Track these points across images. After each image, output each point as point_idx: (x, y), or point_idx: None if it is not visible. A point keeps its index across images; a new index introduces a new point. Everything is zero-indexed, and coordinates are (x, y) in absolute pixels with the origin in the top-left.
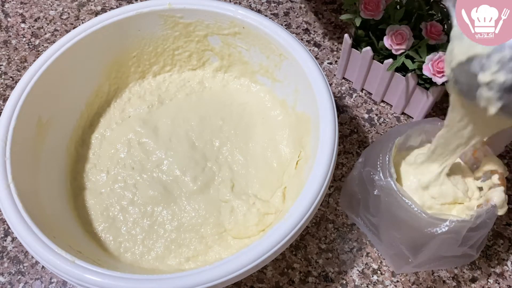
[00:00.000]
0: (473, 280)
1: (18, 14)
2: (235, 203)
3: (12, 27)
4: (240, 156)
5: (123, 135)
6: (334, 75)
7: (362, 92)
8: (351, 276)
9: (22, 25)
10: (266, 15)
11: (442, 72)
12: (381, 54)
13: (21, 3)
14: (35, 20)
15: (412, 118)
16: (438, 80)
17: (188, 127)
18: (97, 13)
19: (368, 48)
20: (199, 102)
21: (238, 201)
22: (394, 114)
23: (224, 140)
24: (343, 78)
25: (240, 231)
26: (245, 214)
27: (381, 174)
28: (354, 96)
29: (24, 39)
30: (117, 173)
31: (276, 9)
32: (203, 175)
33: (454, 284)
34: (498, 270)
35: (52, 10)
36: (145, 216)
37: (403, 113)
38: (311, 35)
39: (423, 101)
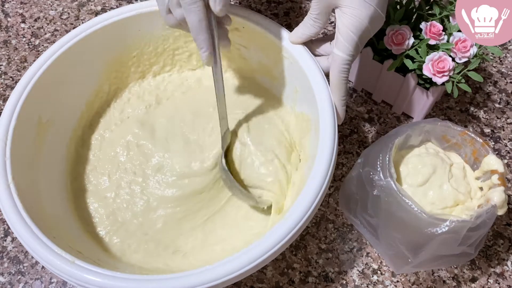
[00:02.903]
0: (473, 280)
1: (18, 14)
2: (254, 157)
3: (12, 27)
4: (243, 125)
5: (122, 137)
6: None
7: (362, 92)
8: (351, 276)
9: (22, 25)
10: (266, 15)
11: (442, 72)
12: (381, 54)
13: (21, 3)
14: (35, 20)
15: (412, 118)
16: (438, 80)
17: (182, 124)
18: (97, 13)
19: (368, 48)
20: (194, 97)
21: (256, 157)
22: (394, 114)
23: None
24: None
25: (253, 178)
26: (260, 166)
27: (381, 174)
28: (354, 96)
29: (24, 39)
30: (120, 177)
31: (276, 9)
32: (203, 170)
33: (454, 284)
34: (498, 270)
35: (52, 10)
36: (149, 219)
37: (403, 113)
38: None
39: (423, 101)
